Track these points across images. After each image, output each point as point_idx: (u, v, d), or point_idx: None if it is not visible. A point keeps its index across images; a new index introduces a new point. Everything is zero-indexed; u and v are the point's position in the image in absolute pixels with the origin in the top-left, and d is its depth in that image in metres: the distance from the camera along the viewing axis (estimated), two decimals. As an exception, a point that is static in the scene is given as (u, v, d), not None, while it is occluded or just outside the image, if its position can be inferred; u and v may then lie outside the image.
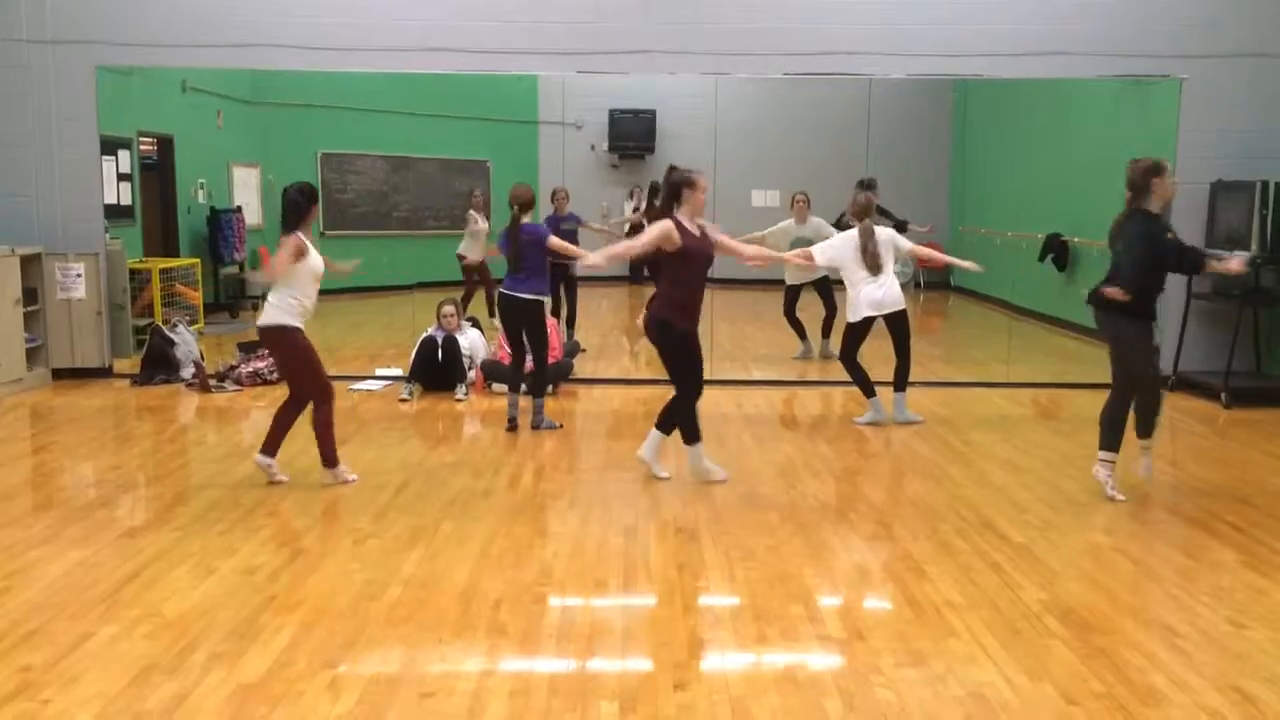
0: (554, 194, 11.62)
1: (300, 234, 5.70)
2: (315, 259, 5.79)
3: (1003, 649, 3.85)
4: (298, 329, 5.70)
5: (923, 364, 10.21)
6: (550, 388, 8.49)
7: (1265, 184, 8.22)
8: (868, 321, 7.43)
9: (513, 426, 7.25)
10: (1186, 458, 6.86)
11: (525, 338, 7.29)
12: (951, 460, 6.63)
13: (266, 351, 9.07)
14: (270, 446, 5.88)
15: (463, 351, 8.49)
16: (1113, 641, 3.93)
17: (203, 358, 9.03)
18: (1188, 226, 8.79)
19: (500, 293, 7.41)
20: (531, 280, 7.23)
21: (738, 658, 3.81)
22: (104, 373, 8.98)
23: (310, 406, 5.86)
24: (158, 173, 12.58)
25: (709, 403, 8.45)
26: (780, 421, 7.87)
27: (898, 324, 7.52)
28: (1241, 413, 8.04)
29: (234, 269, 13.76)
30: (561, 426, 7.34)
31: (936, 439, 7.20)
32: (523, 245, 7.17)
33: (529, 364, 7.41)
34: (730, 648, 3.89)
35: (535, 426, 7.28)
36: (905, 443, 7.11)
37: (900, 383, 7.63)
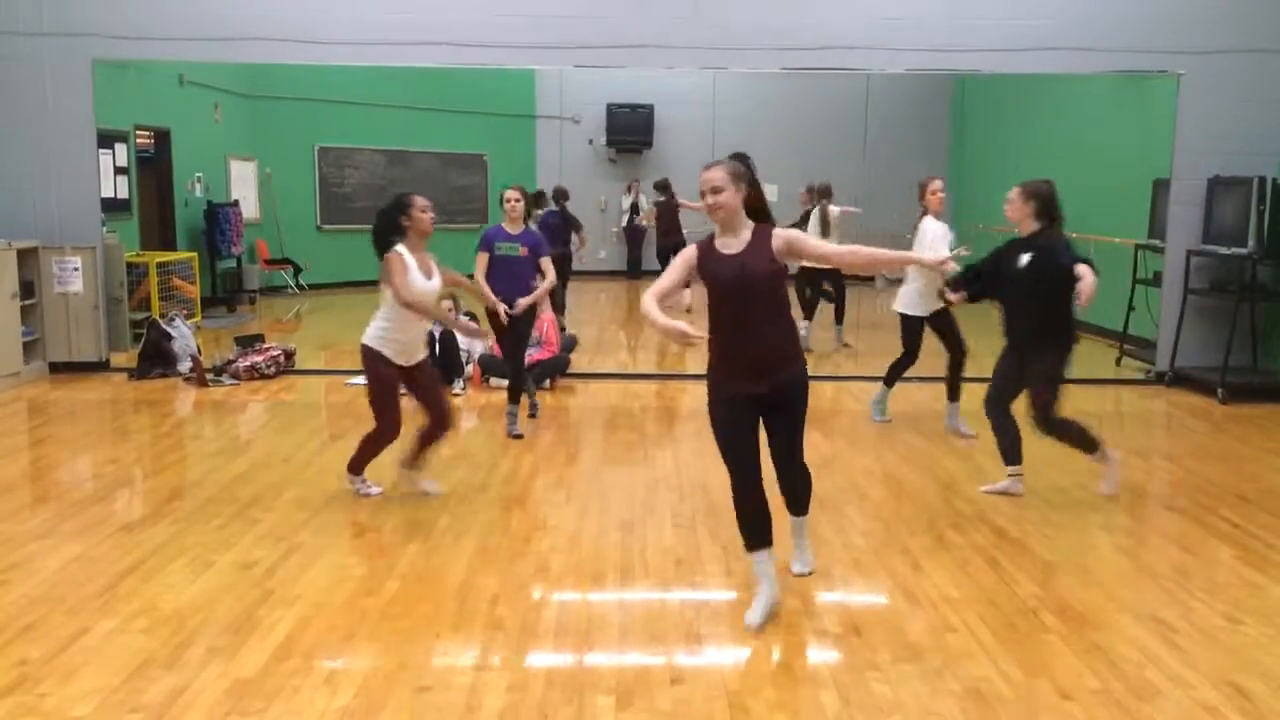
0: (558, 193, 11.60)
1: (401, 250, 5.26)
2: (416, 282, 5.27)
3: (999, 644, 3.86)
4: (379, 355, 5.29)
5: (919, 359, 10.21)
6: (547, 382, 8.50)
7: (1263, 180, 8.22)
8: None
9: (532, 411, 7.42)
10: (1183, 453, 6.87)
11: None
12: (948, 455, 6.63)
13: (264, 346, 9.10)
14: (410, 460, 5.58)
15: (460, 346, 8.49)
16: (1109, 637, 3.94)
17: (200, 352, 9.02)
18: (1186, 222, 8.82)
19: None
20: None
21: (734, 652, 3.82)
22: (101, 366, 8.97)
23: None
24: (155, 166, 12.56)
25: (700, 398, 8.42)
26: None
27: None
28: (1238, 408, 8.04)
29: (232, 263, 13.76)
30: (521, 438, 6.90)
31: (934, 433, 7.21)
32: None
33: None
34: (727, 642, 3.90)
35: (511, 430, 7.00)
36: (902, 437, 7.12)
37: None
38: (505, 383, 8.36)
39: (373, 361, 5.30)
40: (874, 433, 7.31)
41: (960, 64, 9.25)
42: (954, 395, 7.23)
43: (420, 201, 5.32)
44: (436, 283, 5.41)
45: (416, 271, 5.25)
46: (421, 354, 5.45)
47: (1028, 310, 5.54)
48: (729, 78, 17.09)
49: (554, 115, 17.65)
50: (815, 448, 6.82)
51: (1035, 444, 6.92)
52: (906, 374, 7.60)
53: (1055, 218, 5.51)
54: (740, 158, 4.09)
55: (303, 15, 8.67)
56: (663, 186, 13.32)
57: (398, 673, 3.59)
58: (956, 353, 7.24)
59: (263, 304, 13.81)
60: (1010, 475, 5.76)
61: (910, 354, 7.34)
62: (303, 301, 14.16)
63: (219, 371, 8.68)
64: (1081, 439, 5.56)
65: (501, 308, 6.69)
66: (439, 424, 5.48)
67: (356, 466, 5.57)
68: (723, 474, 5.81)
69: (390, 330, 5.29)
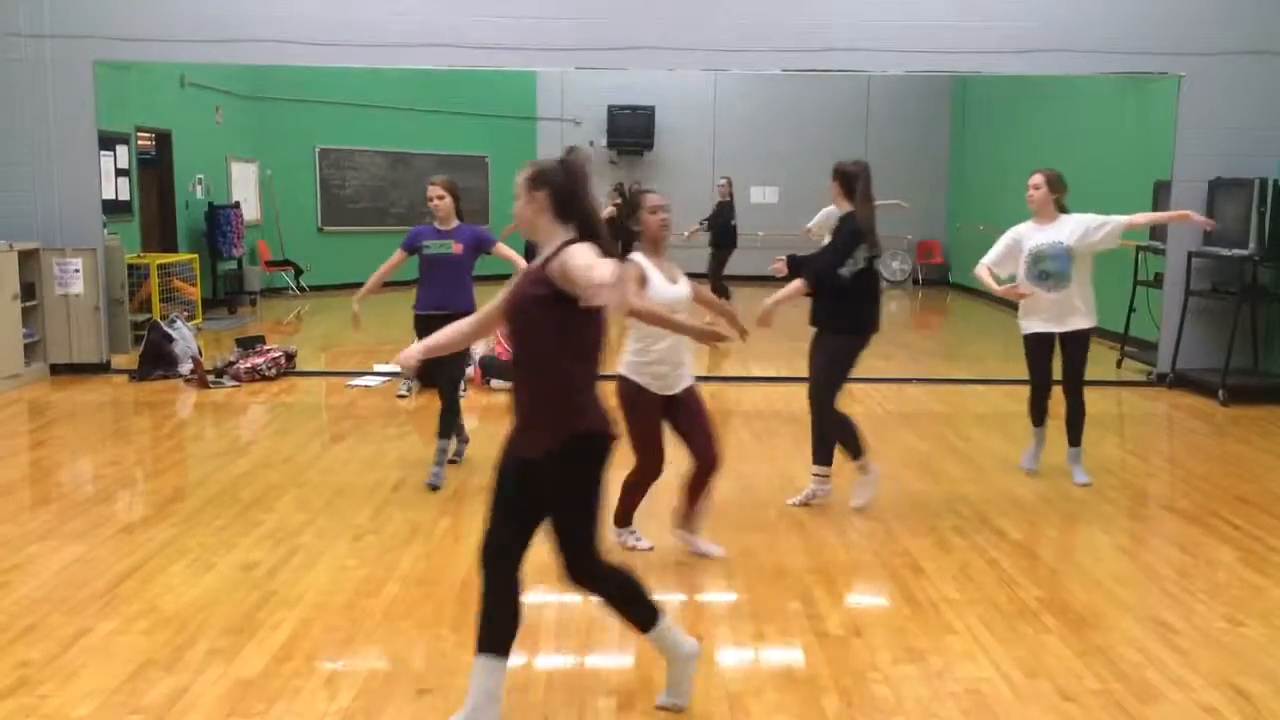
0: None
1: (638, 257, 4.42)
2: (665, 290, 4.43)
3: (1000, 645, 3.85)
4: (634, 386, 4.50)
5: (921, 361, 10.23)
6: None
7: (1264, 181, 8.22)
8: None
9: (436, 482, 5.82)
10: (1184, 455, 6.87)
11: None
12: (949, 457, 6.63)
13: (265, 347, 9.10)
14: (682, 519, 4.81)
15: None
16: (1109, 638, 3.94)
17: (201, 353, 9.02)
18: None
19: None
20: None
21: (735, 654, 3.82)
22: (102, 368, 8.97)
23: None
24: (156, 168, 12.58)
25: (707, 397, 8.43)
26: (778, 418, 7.87)
27: None
28: (1239, 410, 8.04)
29: (233, 265, 13.77)
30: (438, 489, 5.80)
31: (934, 435, 7.20)
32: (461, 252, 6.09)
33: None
34: (728, 644, 3.89)
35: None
36: (903, 439, 7.11)
37: None
38: (507, 384, 8.40)
39: (627, 394, 4.51)
40: (873, 435, 7.28)
41: (961, 65, 9.25)
42: (1071, 438, 6.10)
43: (650, 200, 4.50)
44: (683, 289, 4.53)
45: (659, 278, 4.41)
46: (686, 381, 4.60)
47: (817, 295, 5.31)
48: (729, 79, 17.14)
49: (555, 117, 17.67)
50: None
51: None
52: (910, 375, 7.57)
53: (853, 199, 5.21)
54: (568, 157, 3.21)
55: (304, 17, 8.67)
56: (619, 190, 13.87)
57: (398, 674, 3.59)
58: (1066, 389, 6.03)
59: (263, 305, 13.81)
60: (815, 476, 5.52)
61: (1034, 379, 6.11)
62: (303, 303, 14.15)
63: (220, 373, 8.68)
64: (846, 441, 5.40)
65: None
66: (706, 467, 4.64)
67: (622, 518, 4.83)
68: (723, 474, 5.78)
69: (643, 353, 4.49)
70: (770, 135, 17.46)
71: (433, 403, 8.04)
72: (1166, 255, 9.01)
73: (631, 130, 17.56)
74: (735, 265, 12.60)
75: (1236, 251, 8.29)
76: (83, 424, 7.42)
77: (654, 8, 8.81)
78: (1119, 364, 9.80)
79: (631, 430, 4.52)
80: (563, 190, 3.13)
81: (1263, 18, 8.65)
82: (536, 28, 8.76)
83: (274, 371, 8.83)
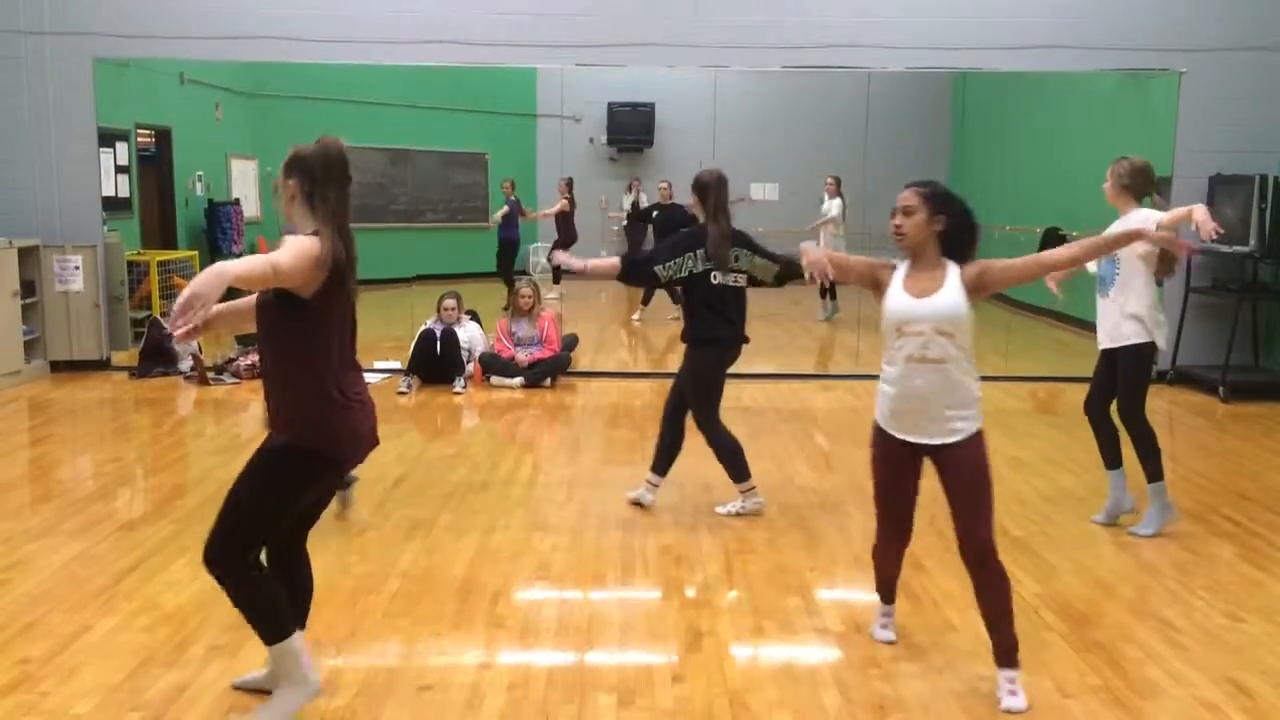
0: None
1: (896, 261, 3.56)
2: (893, 301, 3.47)
3: (1000, 642, 3.85)
4: (874, 426, 3.65)
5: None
6: (548, 380, 8.51)
7: (1264, 178, 8.22)
8: None
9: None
10: (1184, 452, 6.86)
11: None
12: (949, 454, 6.62)
13: None
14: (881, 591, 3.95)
15: (461, 344, 8.49)
16: (1109, 635, 3.94)
17: (201, 350, 9.02)
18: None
19: None
20: None
21: (736, 650, 3.82)
22: (102, 365, 8.97)
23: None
24: (156, 165, 12.55)
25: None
26: (777, 415, 7.87)
27: None
28: (1239, 407, 8.04)
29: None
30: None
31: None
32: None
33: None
34: (728, 640, 3.89)
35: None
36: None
37: None
38: (507, 381, 8.41)
39: (873, 431, 3.68)
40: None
41: (961, 62, 9.24)
42: (1145, 471, 5.15)
43: (898, 200, 3.47)
44: (927, 306, 3.39)
45: (897, 288, 3.46)
46: (953, 431, 3.51)
47: (624, 280, 5.50)
48: (730, 76, 17.06)
49: (555, 114, 17.65)
50: (816, 445, 6.82)
51: (1040, 443, 6.93)
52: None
53: (705, 210, 5.10)
54: (321, 144, 3.32)
55: (305, 14, 8.66)
56: (569, 185, 14.65)
57: (399, 671, 3.59)
58: (1122, 418, 5.21)
59: (264, 303, 13.80)
60: (741, 492, 5.34)
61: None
62: (303, 300, 14.14)
63: (220, 370, 8.68)
64: (733, 461, 5.29)
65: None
66: (967, 551, 3.53)
67: (884, 592, 3.92)
68: (723, 473, 5.79)
69: (882, 377, 3.56)
70: (771, 132, 17.42)
71: (433, 400, 8.06)
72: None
73: (631, 127, 17.55)
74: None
75: (1237, 248, 8.28)
76: (83, 421, 7.42)
77: (654, 5, 8.81)
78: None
79: (874, 481, 3.71)
80: (310, 178, 3.12)
81: (1262, 14, 8.64)
82: (537, 25, 8.76)
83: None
